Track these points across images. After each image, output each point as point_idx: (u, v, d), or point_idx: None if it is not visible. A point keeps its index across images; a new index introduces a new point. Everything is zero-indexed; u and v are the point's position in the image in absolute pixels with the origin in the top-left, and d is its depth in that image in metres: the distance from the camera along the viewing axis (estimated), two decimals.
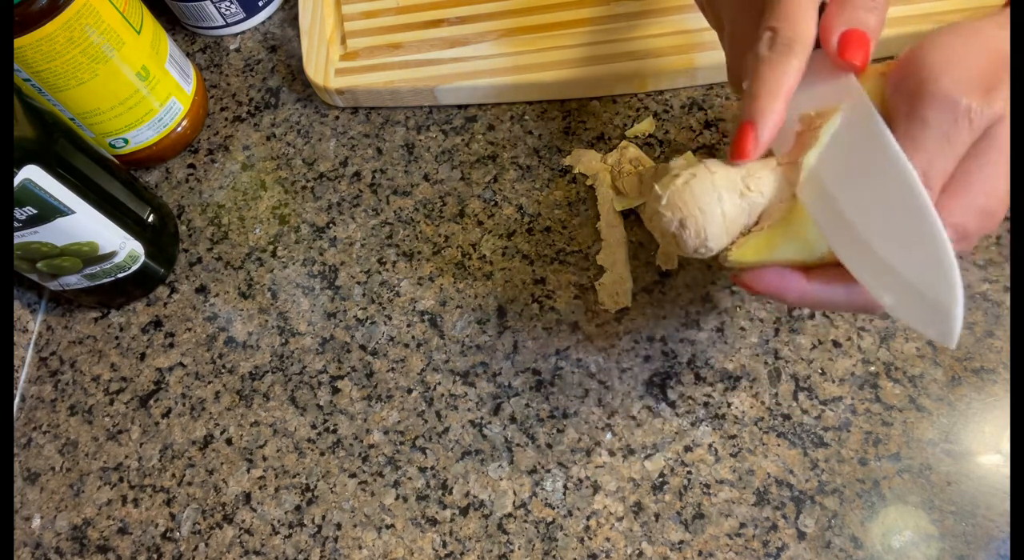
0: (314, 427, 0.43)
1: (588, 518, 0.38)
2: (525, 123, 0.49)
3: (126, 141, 0.49)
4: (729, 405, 0.39)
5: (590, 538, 0.38)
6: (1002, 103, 0.27)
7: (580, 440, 0.40)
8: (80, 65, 0.43)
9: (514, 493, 0.39)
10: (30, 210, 0.38)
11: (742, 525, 0.37)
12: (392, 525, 0.40)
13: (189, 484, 0.42)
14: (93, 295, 0.47)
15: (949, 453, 0.37)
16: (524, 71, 0.48)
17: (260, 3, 0.56)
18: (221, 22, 0.56)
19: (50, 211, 0.39)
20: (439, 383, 0.42)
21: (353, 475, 0.41)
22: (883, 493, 0.37)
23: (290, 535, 0.40)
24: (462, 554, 0.38)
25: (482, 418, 0.41)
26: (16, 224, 0.39)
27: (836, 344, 0.40)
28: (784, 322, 0.41)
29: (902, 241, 0.28)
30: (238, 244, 0.49)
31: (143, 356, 0.46)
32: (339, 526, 0.40)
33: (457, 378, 0.42)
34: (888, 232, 0.28)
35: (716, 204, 0.30)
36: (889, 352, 0.39)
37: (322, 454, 0.42)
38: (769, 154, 0.32)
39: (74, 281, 0.45)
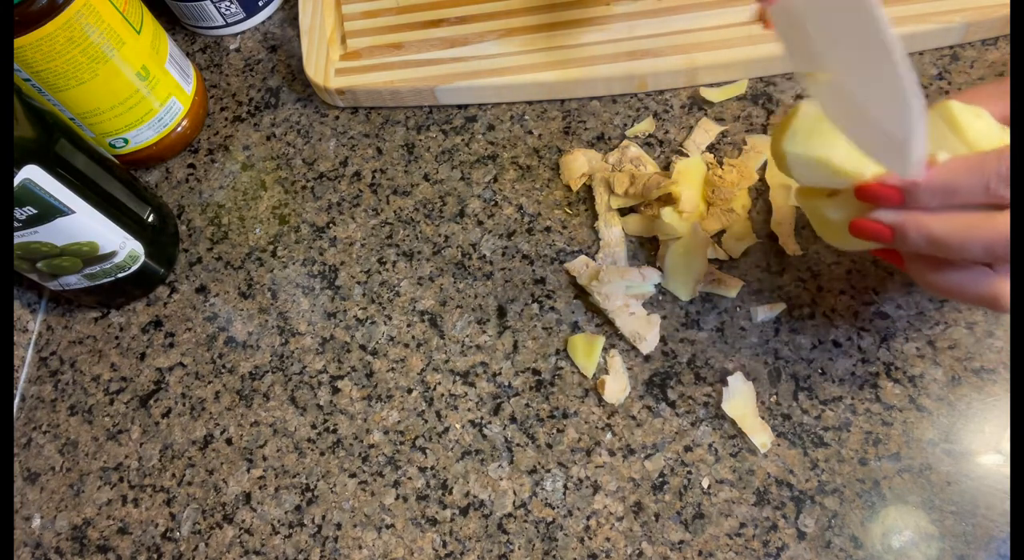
0: (314, 427, 0.43)
1: (588, 518, 0.38)
2: (525, 123, 0.49)
3: (126, 141, 0.49)
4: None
5: (590, 538, 0.38)
6: None
7: (580, 440, 0.40)
8: (80, 65, 0.43)
9: (514, 493, 0.39)
10: (30, 210, 0.38)
11: (742, 525, 0.37)
12: (392, 525, 0.40)
13: (189, 484, 0.42)
14: (93, 295, 0.47)
15: (949, 453, 0.37)
16: (524, 71, 0.48)
17: (260, 3, 0.56)
18: (221, 22, 0.56)
19: (50, 211, 0.39)
20: (439, 383, 0.42)
21: (353, 475, 0.41)
22: (883, 493, 0.37)
23: (290, 535, 0.40)
24: (462, 554, 0.38)
25: (482, 418, 0.41)
26: (16, 224, 0.39)
27: (836, 344, 0.40)
28: (784, 322, 0.41)
29: (866, 75, 0.29)
30: (238, 244, 0.49)
31: (143, 356, 0.46)
32: (339, 526, 0.40)
33: (457, 378, 0.42)
34: (853, 66, 0.29)
35: None
36: (889, 352, 0.39)
37: (322, 454, 0.42)
38: None
39: (74, 281, 0.45)
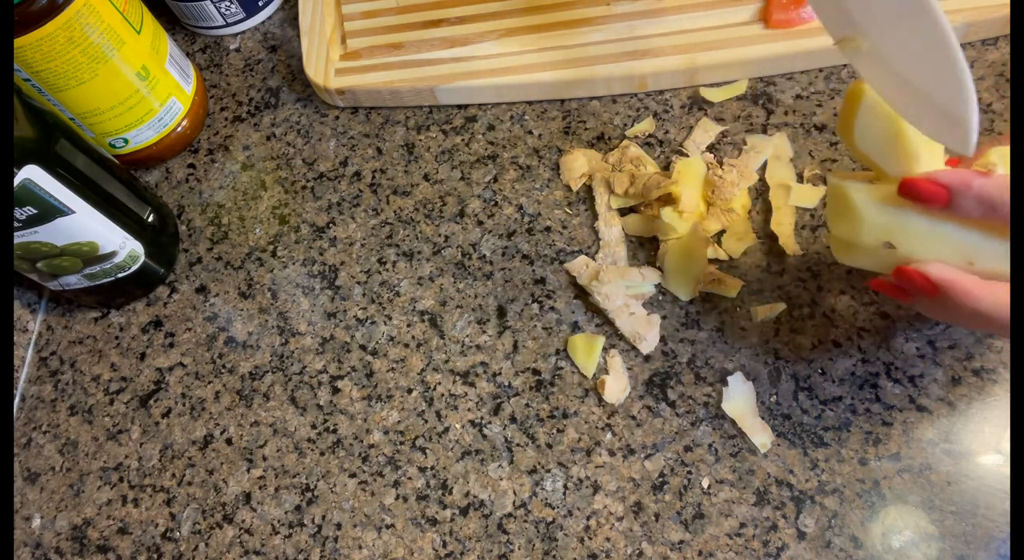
0: (314, 427, 0.43)
1: (588, 518, 0.38)
2: (525, 123, 0.49)
3: (126, 141, 0.49)
4: None
5: (590, 538, 0.38)
6: None
7: (580, 440, 0.40)
8: (80, 65, 0.43)
9: (514, 493, 0.39)
10: (30, 210, 0.38)
11: (742, 525, 0.37)
12: (392, 525, 0.40)
13: (189, 484, 0.42)
14: (93, 295, 0.47)
15: (949, 453, 0.37)
16: (524, 71, 0.48)
17: (260, 3, 0.56)
18: (221, 22, 0.56)
19: (50, 211, 0.39)
20: (439, 383, 0.42)
21: (353, 475, 0.41)
22: (883, 493, 0.37)
23: (290, 535, 0.40)
24: (462, 554, 0.38)
25: (482, 418, 0.41)
26: (16, 224, 0.39)
27: (836, 344, 0.40)
28: (784, 322, 0.41)
29: (909, 44, 0.28)
30: (238, 244, 0.49)
31: (143, 356, 0.46)
32: (339, 526, 0.40)
33: (457, 378, 0.42)
34: (895, 33, 0.28)
35: None
36: (889, 352, 0.39)
37: (322, 454, 0.42)
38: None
39: (74, 281, 0.45)
